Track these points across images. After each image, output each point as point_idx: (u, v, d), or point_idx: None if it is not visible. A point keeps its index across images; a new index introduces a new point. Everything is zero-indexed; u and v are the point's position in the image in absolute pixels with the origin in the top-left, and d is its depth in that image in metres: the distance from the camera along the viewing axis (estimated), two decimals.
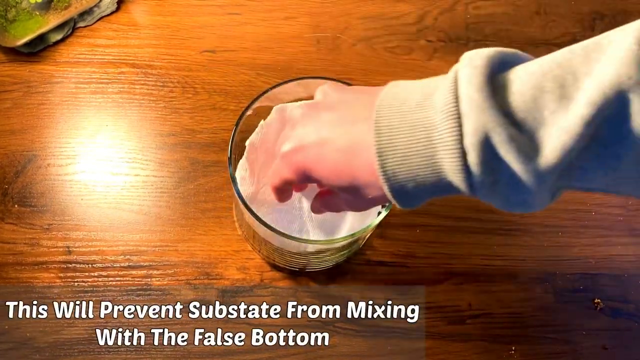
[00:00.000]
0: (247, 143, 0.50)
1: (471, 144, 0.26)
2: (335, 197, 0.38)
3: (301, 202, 0.51)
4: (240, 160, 0.51)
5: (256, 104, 0.46)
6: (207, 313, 0.51)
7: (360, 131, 0.30)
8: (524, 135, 0.26)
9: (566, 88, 0.25)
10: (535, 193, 0.27)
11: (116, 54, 0.62)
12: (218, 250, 0.54)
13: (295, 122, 0.35)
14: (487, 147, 0.26)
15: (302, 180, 0.34)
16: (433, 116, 0.27)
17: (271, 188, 0.38)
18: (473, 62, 0.27)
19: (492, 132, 0.25)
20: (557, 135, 0.25)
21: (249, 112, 0.46)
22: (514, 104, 0.26)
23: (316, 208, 0.42)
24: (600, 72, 0.25)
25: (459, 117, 0.26)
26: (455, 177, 0.27)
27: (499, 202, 0.28)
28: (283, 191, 0.39)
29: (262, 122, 0.50)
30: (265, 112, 0.49)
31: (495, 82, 0.27)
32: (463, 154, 0.26)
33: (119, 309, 0.51)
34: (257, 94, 0.45)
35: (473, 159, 0.26)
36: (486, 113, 0.25)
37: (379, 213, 0.44)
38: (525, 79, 0.27)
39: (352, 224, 0.50)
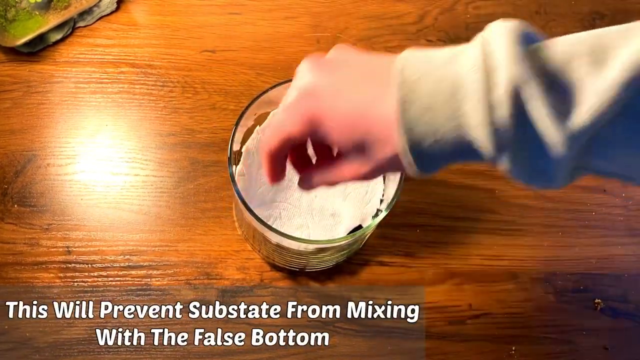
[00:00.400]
0: (243, 149, 0.50)
1: (500, 96, 0.25)
2: (338, 164, 0.34)
3: (301, 200, 0.51)
4: (237, 167, 0.51)
5: (256, 104, 0.46)
6: (207, 313, 0.51)
7: (379, 83, 0.29)
8: (556, 94, 0.25)
9: (601, 54, 0.25)
10: (558, 161, 0.26)
11: (116, 54, 0.62)
12: (218, 250, 0.54)
13: (304, 75, 0.32)
14: (517, 100, 0.25)
15: (309, 134, 0.31)
16: (460, 70, 0.26)
17: (264, 159, 0.33)
18: (502, 24, 0.26)
19: (524, 85, 0.24)
20: (590, 97, 0.24)
21: (249, 113, 0.46)
22: (548, 63, 0.25)
23: (309, 181, 0.36)
24: (637, 44, 0.24)
25: (488, 71, 0.25)
26: (480, 133, 0.26)
27: (520, 169, 0.27)
28: (277, 163, 0.34)
29: (257, 127, 0.50)
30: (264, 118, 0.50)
31: (527, 41, 0.26)
32: (490, 108, 0.25)
33: (118, 309, 0.51)
34: (257, 94, 0.45)
35: (501, 112, 0.25)
36: (519, 65, 0.25)
37: (379, 213, 0.44)
38: (559, 42, 0.26)
39: (352, 224, 0.50)
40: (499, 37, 0.26)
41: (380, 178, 0.51)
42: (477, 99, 0.25)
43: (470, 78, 0.26)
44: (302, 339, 0.51)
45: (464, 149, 0.27)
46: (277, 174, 0.35)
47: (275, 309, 0.52)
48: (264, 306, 0.52)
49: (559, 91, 0.25)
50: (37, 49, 0.62)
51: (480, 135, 0.26)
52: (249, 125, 0.49)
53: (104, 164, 0.57)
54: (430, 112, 0.27)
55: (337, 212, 0.51)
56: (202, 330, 0.51)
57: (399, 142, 0.28)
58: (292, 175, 0.52)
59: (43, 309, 0.51)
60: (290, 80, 0.45)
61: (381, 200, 0.51)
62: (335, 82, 0.30)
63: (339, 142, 0.31)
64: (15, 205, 0.55)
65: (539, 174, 0.27)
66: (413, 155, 0.28)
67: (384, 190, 0.51)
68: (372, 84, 0.29)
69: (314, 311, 0.52)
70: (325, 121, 0.30)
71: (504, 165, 0.27)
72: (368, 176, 0.32)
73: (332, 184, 0.35)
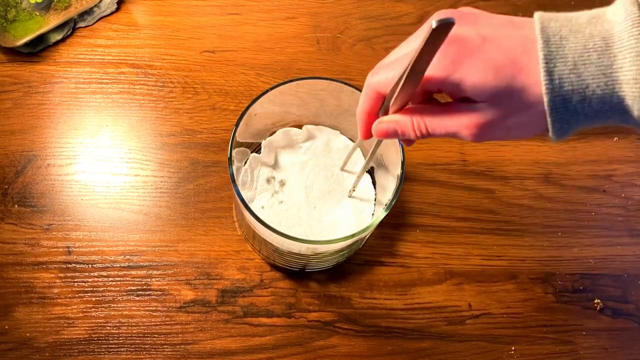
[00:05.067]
0: (263, 143, 0.51)
1: None
2: (456, 112, 0.31)
3: (300, 205, 0.51)
4: (244, 167, 0.51)
5: (256, 104, 0.46)
6: (207, 313, 0.51)
7: (523, 35, 0.28)
8: None
9: None
10: None
11: (116, 54, 0.62)
12: (218, 250, 0.54)
13: None
14: None
15: (444, 78, 0.29)
16: (611, 29, 0.26)
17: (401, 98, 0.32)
18: None
19: None
20: None
21: (249, 113, 0.46)
22: None
23: (420, 126, 0.33)
24: None
25: None
26: (634, 89, 0.26)
27: None
28: (409, 101, 0.33)
29: (263, 141, 0.51)
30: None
31: None
32: None
33: (118, 309, 0.51)
34: (257, 94, 0.46)
35: None
36: None
37: (381, 211, 0.44)
38: None
39: (352, 225, 0.50)
40: None
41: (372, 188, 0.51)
42: (635, 54, 0.25)
43: (626, 34, 0.26)
44: (302, 339, 0.51)
45: (612, 107, 0.27)
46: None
47: (275, 309, 0.52)
48: (264, 306, 0.52)
49: None
50: (38, 50, 0.62)
51: (635, 91, 0.26)
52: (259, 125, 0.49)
53: (104, 164, 0.57)
54: (579, 69, 0.27)
55: (335, 220, 0.51)
56: (202, 330, 0.51)
57: (545, 99, 0.27)
58: (291, 174, 0.52)
59: (43, 309, 0.51)
60: (290, 81, 0.46)
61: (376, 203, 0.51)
62: (480, 30, 0.30)
63: (478, 86, 0.29)
64: (16, 206, 0.55)
65: None
66: (558, 113, 0.28)
67: (376, 195, 0.51)
68: (515, 33, 0.29)
69: (313, 311, 0.52)
70: (467, 66, 0.29)
71: None
72: (490, 128, 0.30)
73: (448, 131, 0.32)
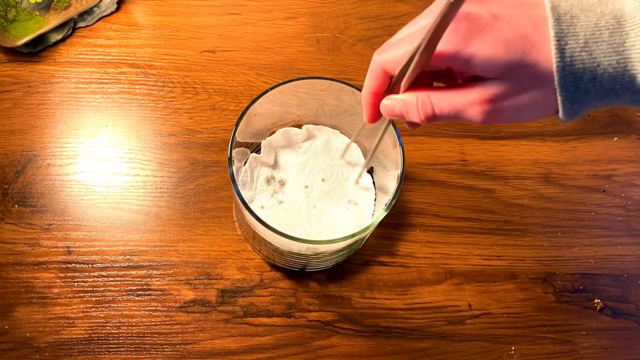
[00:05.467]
0: (263, 143, 0.51)
1: None
2: (464, 89, 0.30)
3: (300, 205, 0.51)
4: (244, 167, 0.51)
5: (256, 104, 0.46)
6: (207, 313, 0.51)
7: (534, 13, 0.28)
8: None
9: None
10: None
11: (116, 54, 0.62)
12: (218, 250, 0.54)
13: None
14: None
15: (459, 52, 0.29)
16: (622, 7, 0.27)
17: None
18: None
19: None
20: None
21: (249, 112, 0.46)
22: None
23: (427, 106, 0.32)
24: None
25: None
26: None
27: None
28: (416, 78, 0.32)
29: (263, 141, 0.51)
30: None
31: None
32: None
33: (119, 309, 0.51)
34: (257, 94, 0.46)
35: None
36: None
37: (381, 211, 0.44)
38: None
39: (352, 224, 0.50)
40: None
41: (372, 189, 0.51)
42: None
43: (638, 12, 0.26)
44: (302, 338, 0.51)
45: (623, 86, 0.27)
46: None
47: (275, 309, 0.52)
48: (264, 306, 0.52)
49: None
50: (38, 50, 0.62)
51: None
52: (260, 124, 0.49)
53: (104, 164, 0.57)
54: (591, 47, 0.27)
55: (335, 219, 0.51)
56: (202, 330, 0.51)
57: (556, 77, 0.27)
58: (291, 174, 0.52)
59: (43, 309, 0.51)
60: (290, 81, 0.46)
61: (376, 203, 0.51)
62: (491, 9, 0.29)
63: (489, 60, 0.29)
64: (16, 206, 0.55)
65: None
66: (568, 92, 0.28)
67: (376, 195, 0.51)
68: (526, 12, 0.29)
69: (313, 311, 0.52)
70: (478, 41, 0.29)
71: None
72: (500, 105, 0.30)
73: (457, 108, 0.31)
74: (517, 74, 0.29)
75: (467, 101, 0.30)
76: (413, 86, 0.33)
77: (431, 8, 0.32)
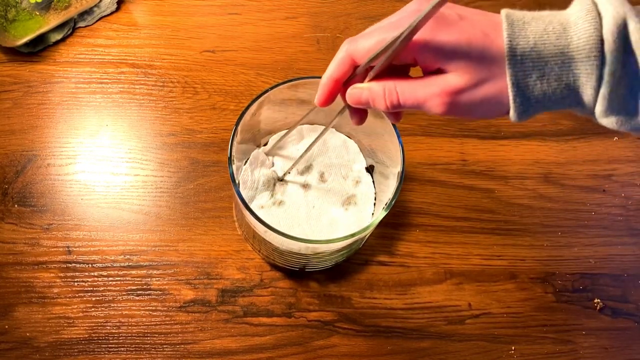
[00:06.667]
0: (270, 139, 0.51)
1: (610, 31, 0.28)
2: (427, 80, 0.33)
3: (299, 205, 0.51)
4: (244, 167, 0.51)
5: (256, 104, 0.46)
6: (207, 313, 0.51)
7: (498, 19, 0.32)
8: None
9: None
10: None
11: (116, 54, 0.62)
12: (218, 250, 0.54)
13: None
14: (623, 34, 0.28)
15: (427, 43, 0.31)
16: (568, 17, 0.30)
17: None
18: None
19: (630, 20, 0.28)
20: None
21: (249, 112, 0.46)
22: None
23: (392, 95, 0.34)
24: None
25: (598, 14, 0.29)
26: (586, 66, 0.29)
27: (620, 110, 0.30)
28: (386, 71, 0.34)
29: (263, 141, 0.51)
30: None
31: None
32: (600, 42, 0.28)
33: (118, 309, 0.51)
34: (257, 94, 0.46)
35: (609, 46, 0.28)
36: (625, 6, 0.29)
37: (381, 210, 0.44)
38: None
39: (352, 224, 0.50)
40: None
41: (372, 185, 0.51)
42: (589, 34, 0.29)
43: (581, 20, 0.29)
44: (302, 338, 0.51)
45: (568, 86, 0.30)
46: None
47: (275, 309, 0.52)
48: (264, 306, 0.52)
49: None
50: (38, 49, 0.62)
51: (587, 69, 0.29)
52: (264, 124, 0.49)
53: (104, 164, 0.57)
54: (540, 46, 0.30)
55: (335, 219, 0.51)
56: (202, 330, 0.51)
57: (507, 73, 0.30)
58: (289, 175, 0.52)
59: (43, 309, 0.51)
60: (291, 81, 0.46)
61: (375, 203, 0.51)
62: (457, 11, 0.32)
63: (453, 51, 0.31)
64: (16, 205, 0.55)
65: (628, 108, 0.30)
66: (519, 89, 0.30)
67: (375, 194, 0.51)
68: (486, 18, 0.32)
69: (313, 311, 0.52)
70: (444, 34, 0.31)
71: (600, 106, 0.30)
72: (459, 97, 0.32)
73: (419, 99, 0.33)
74: (477, 67, 0.31)
75: (430, 92, 0.33)
76: (377, 77, 0.35)
77: (404, 9, 0.34)
